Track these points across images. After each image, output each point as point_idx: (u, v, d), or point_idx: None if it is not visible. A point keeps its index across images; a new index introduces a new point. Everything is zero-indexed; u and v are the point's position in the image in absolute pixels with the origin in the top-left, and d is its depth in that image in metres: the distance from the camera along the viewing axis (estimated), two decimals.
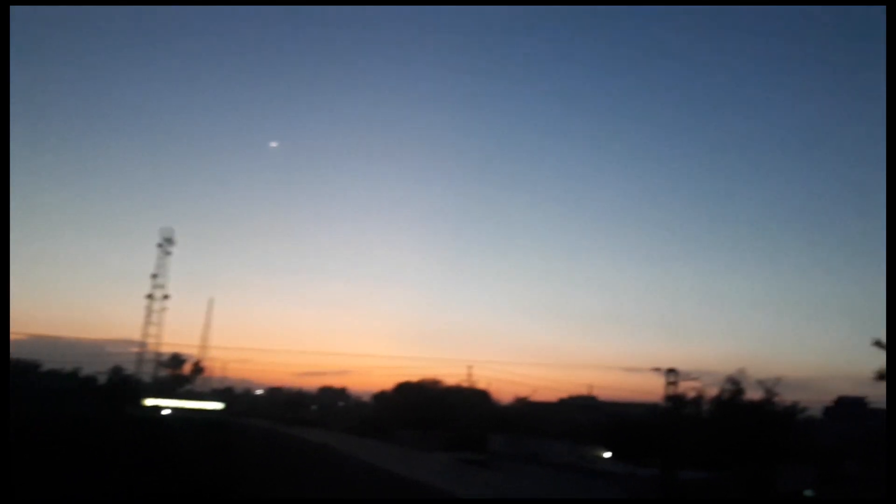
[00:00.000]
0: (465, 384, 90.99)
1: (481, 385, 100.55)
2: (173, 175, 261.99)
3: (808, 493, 56.85)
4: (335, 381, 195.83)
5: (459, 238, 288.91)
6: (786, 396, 68.76)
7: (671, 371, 62.24)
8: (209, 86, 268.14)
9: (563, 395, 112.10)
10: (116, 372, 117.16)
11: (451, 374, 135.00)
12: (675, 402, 67.88)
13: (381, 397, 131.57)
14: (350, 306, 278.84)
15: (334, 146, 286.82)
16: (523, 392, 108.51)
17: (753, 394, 68.70)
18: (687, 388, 66.17)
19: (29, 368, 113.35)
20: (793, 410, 71.54)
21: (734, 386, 68.48)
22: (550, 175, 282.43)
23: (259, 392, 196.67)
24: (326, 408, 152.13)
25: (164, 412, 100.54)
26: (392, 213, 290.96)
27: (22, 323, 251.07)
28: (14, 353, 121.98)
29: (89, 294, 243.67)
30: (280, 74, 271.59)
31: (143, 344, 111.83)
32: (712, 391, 70.23)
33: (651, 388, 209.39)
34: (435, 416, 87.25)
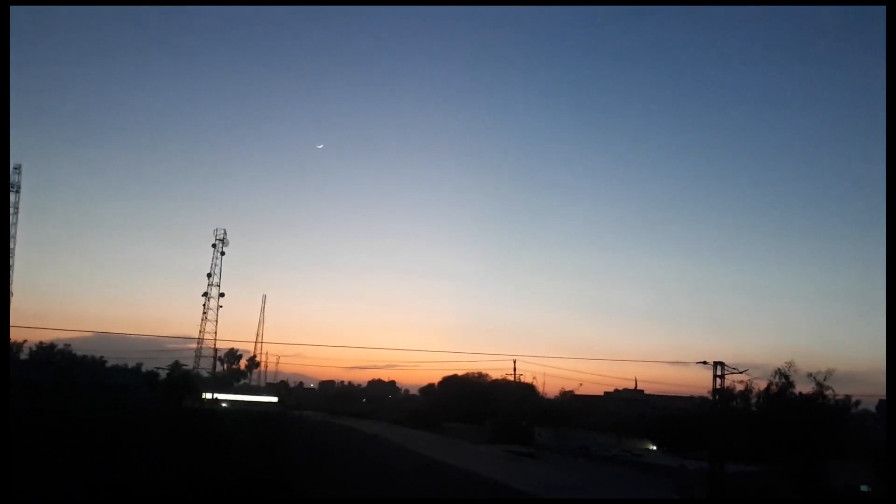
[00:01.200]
0: (510, 378, 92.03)
1: (527, 379, 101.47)
2: (226, 178, 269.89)
3: (864, 488, 56.20)
4: (384, 375, 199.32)
5: (505, 234, 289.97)
6: (837, 390, 67.71)
7: (718, 364, 62.14)
8: (258, 90, 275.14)
9: (609, 388, 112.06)
10: (176, 367, 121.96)
11: (496, 368, 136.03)
12: (723, 396, 67.60)
13: (428, 391, 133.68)
14: (398, 302, 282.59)
15: (382, 146, 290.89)
16: (569, 386, 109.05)
17: (803, 387, 67.86)
18: (734, 381, 65.85)
19: (95, 364, 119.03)
20: (845, 404, 70.35)
21: (783, 379, 67.71)
22: (595, 170, 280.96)
23: (311, 386, 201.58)
24: (376, 400, 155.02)
25: (223, 405, 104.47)
26: (439, 209, 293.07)
27: (88, 321, 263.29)
28: (81, 349, 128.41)
29: (150, 293, 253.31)
30: (327, 77, 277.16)
31: (200, 340, 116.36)
32: (761, 385, 69.59)
33: (698, 382, 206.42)
34: (481, 409, 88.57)
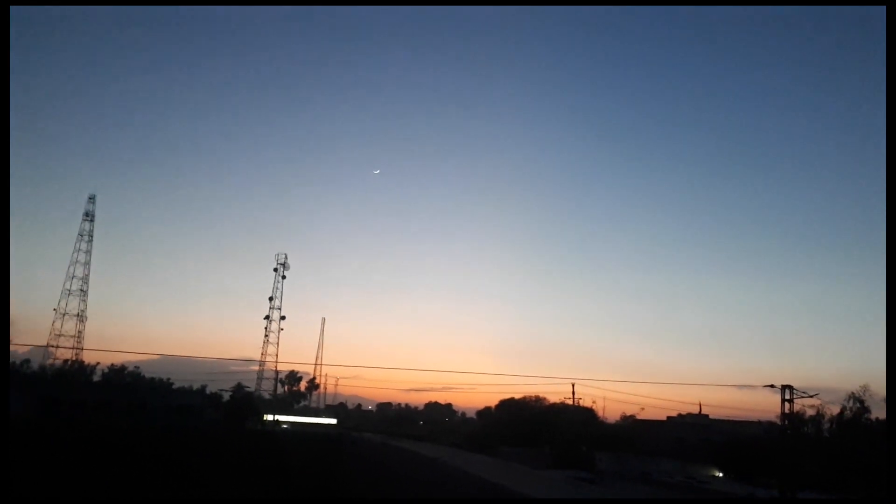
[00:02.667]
0: (569, 402, 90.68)
1: (586, 403, 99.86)
2: (287, 203, 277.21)
3: None
4: (440, 398, 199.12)
5: (564, 256, 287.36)
6: None
7: (787, 388, 59.78)
8: (317, 119, 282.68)
9: (672, 413, 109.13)
10: (239, 389, 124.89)
11: (554, 391, 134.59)
12: (793, 421, 64.78)
13: (486, 414, 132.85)
14: (455, 324, 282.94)
15: (438, 171, 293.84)
16: (630, 410, 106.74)
17: (880, 413, 64.79)
18: (804, 405, 63.15)
19: (163, 386, 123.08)
20: None
21: (857, 404, 64.78)
22: (656, 191, 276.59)
23: (369, 408, 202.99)
24: (433, 423, 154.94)
25: (283, 427, 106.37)
26: (497, 232, 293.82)
27: (156, 344, 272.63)
28: (149, 371, 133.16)
29: (215, 317, 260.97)
30: (383, 106, 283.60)
31: (262, 363, 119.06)
32: (833, 409, 66.73)
33: (766, 406, 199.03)
34: (539, 433, 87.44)
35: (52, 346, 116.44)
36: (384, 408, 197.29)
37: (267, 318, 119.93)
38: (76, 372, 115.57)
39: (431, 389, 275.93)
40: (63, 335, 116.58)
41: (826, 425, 68.60)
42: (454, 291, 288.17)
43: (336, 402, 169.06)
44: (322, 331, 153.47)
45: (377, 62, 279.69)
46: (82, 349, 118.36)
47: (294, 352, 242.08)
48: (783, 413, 53.55)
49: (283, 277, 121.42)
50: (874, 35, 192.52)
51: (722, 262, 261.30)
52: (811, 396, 60.41)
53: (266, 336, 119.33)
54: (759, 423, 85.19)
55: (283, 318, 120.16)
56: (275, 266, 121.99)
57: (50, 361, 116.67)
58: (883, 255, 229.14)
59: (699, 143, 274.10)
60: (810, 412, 65.42)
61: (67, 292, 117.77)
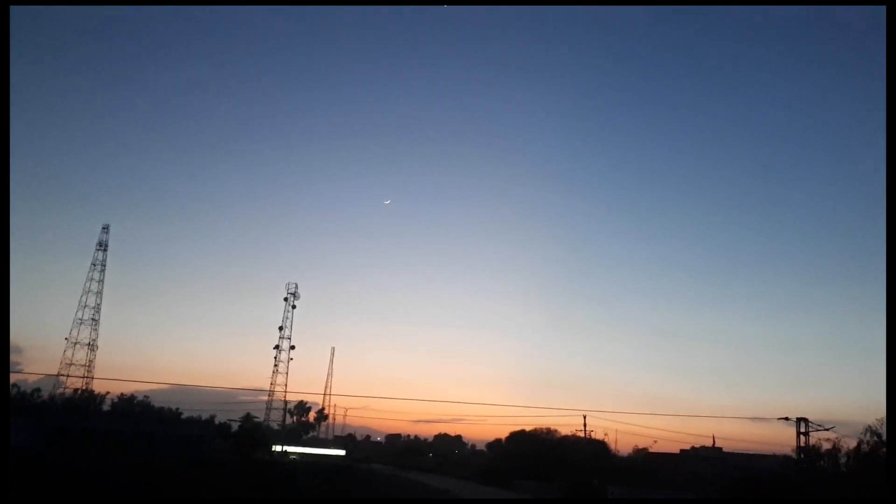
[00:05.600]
0: (580, 434, 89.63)
1: (598, 435, 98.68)
2: (296, 232, 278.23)
3: None
4: (450, 429, 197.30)
5: (575, 286, 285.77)
6: None
7: (801, 420, 58.84)
8: (328, 148, 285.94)
9: (685, 446, 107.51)
10: (247, 420, 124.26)
11: (566, 423, 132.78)
12: (809, 454, 63.61)
13: (496, 446, 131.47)
14: (466, 355, 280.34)
15: (447, 200, 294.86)
16: (643, 443, 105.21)
17: None
18: (820, 439, 62.13)
19: (171, 416, 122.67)
20: None
21: (875, 437, 63.60)
22: (668, 225, 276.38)
23: (378, 439, 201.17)
24: (442, 455, 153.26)
25: (291, 458, 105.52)
26: (509, 263, 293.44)
27: (166, 373, 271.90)
28: (158, 400, 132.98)
29: (225, 346, 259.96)
30: (393, 137, 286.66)
31: (271, 392, 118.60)
32: (850, 443, 65.53)
33: (780, 439, 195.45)
34: (550, 466, 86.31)
35: (63, 376, 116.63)
36: (393, 439, 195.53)
37: (276, 347, 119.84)
38: (86, 401, 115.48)
39: (441, 420, 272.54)
40: (74, 364, 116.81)
41: (843, 459, 67.31)
42: (466, 322, 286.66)
43: (345, 433, 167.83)
44: (331, 360, 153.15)
45: (387, 87, 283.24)
46: (93, 378, 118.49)
47: (303, 381, 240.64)
48: (798, 447, 52.62)
49: (294, 307, 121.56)
50: (874, 35, 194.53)
51: (735, 293, 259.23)
52: (827, 430, 59.31)
53: (276, 366, 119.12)
54: (775, 456, 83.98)
55: (292, 347, 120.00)
56: (285, 295, 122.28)
57: (60, 391, 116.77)
58: None
59: (712, 179, 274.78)
60: (826, 446, 64.34)
61: (79, 322, 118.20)
